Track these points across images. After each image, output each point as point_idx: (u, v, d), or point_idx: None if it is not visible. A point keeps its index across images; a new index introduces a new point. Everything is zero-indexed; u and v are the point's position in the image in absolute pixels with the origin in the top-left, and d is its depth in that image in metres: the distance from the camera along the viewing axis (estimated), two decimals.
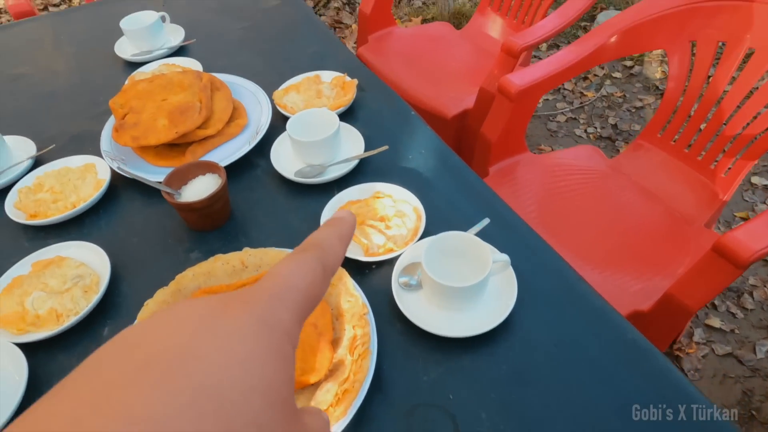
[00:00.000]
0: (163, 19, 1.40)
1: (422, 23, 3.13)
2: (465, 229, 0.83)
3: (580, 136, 2.52)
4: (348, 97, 1.14)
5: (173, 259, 0.89)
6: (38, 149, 1.11)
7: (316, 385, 0.67)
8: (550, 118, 2.64)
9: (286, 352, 0.20)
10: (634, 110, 2.64)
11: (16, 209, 0.97)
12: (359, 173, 1.01)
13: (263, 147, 1.07)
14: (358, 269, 0.82)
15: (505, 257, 0.75)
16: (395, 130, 1.11)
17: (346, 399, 0.65)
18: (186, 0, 1.68)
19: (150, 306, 0.75)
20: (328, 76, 1.22)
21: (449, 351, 0.73)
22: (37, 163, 1.09)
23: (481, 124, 1.70)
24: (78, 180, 1.01)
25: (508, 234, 0.87)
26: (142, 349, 0.18)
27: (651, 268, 1.21)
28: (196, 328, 0.19)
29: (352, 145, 1.05)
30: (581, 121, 2.61)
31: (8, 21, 3.43)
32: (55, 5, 3.70)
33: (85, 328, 0.79)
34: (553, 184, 1.51)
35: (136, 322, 0.73)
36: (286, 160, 1.03)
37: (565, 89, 2.81)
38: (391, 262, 0.86)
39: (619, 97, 2.72)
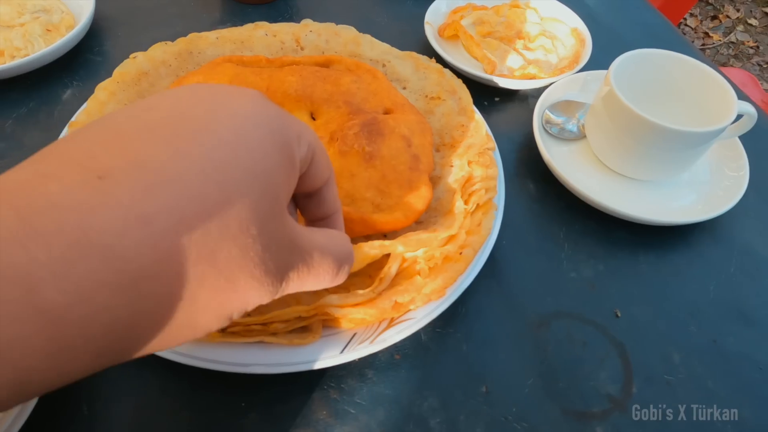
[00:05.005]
0: None
1: None
2: None
3: None
4: None
5: (193, 26, 0.58)
6: None
7: (397, 235, 0.37)
8: None
9: (293, 160, 0.20)
10: (765, 65, 2.18)
11: None
12: None
13: None
14: (473, 96, 0.50)
15: (751, 110, 0.43)
16: None
17: (447, 270, 0.35)
18: None
19: (140, 60, 0.45)
20: None
21: (617, 241, 0.43)
22: None
23: None
24: None
25: None
26: (157, 112, 0.17)
27: None
28: (213, 106, 0.18)
29: None
30: None
31: None
32: None
33: (39, 83, 0.50)
34: None
35: (113, 76, 0.44)
36: None
37: (686, 25, 2.34)
38: (527, 99, 0.54)
39: (751, 47, 2.25)
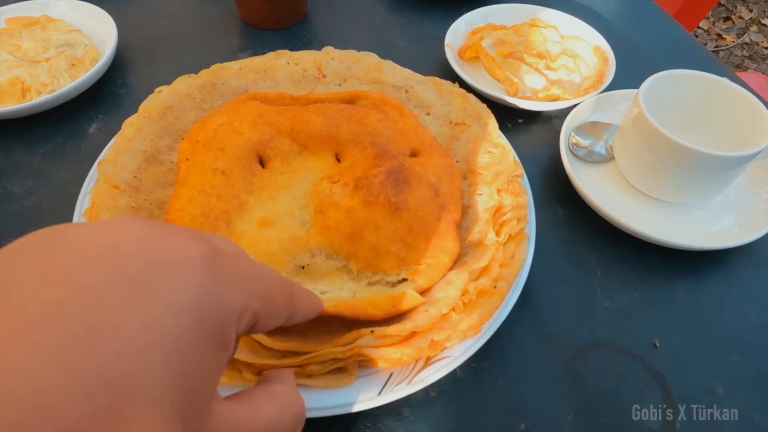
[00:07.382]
0: None
1: None
2: None
3: None
4: None
5: (214, 54, 0.59)
6: None
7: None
8: None
9: (226, 344, 0.17)
10: None
11: None
12: None
13: None
14: (496, 118, 0.49)
15: None
16: None
17: (483, 305, 0.35)
18: None
19: (164, 94, 0.45)
20: None
21: (651, 268, 0.42)
22: None
23: None
24: None
25: None
26: (63, 290, 0.15)
27: None
28: (132, 288, 0.15)
29: None
30: None
31: None
32: None
33: (66, 117, 0.51)
34: None
35: (139, 111, 0.44)
36: None
37: (699, 27, 2.32)
38: (551, 120, 0.53)
39: (766, 48, 2.23)
